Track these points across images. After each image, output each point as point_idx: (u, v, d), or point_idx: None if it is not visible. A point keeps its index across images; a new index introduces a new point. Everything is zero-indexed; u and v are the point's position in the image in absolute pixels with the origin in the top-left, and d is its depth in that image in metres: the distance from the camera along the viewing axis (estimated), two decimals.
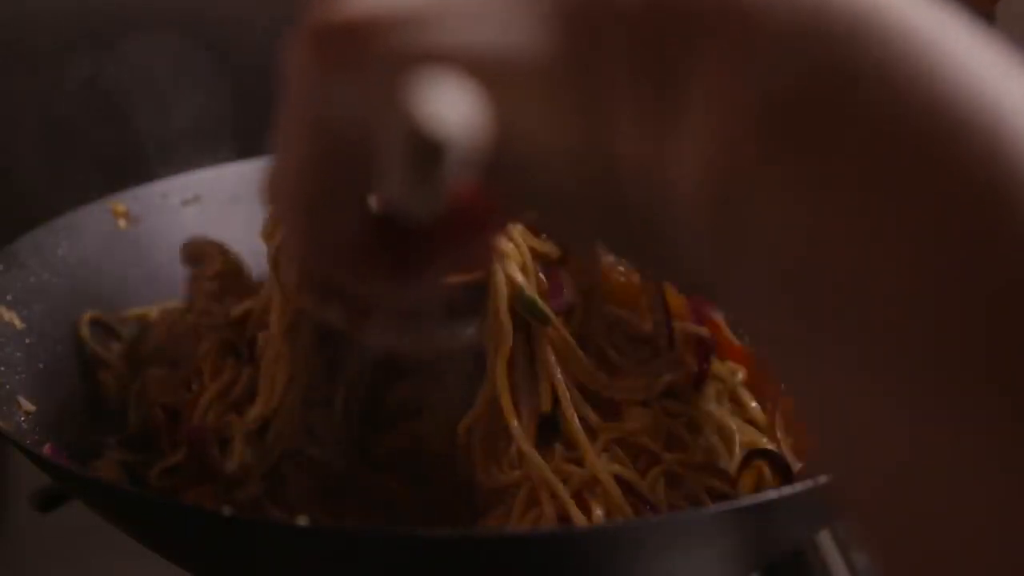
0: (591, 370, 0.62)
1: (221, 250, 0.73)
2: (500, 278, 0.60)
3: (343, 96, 0.35)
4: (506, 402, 0.60)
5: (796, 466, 0.64)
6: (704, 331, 0.68)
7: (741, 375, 0.69)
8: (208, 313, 0.69)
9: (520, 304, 0.60)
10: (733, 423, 0.65)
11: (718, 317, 0.71)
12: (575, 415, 0.61)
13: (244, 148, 0.81)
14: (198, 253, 0.73)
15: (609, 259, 0.69)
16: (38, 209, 0.74)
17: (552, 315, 0.61)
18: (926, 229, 0.28)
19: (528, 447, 0.60)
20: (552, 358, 0.61)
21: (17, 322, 0.68)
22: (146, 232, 0.77)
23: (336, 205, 0.37)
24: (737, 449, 0.64)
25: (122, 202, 0.77)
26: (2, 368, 0.65)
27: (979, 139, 0.28)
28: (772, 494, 0.54)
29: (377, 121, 0.34)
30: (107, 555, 0.68)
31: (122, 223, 0.76)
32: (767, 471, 0.62)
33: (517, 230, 0.62)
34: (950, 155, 0.28)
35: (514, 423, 0.60)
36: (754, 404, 0.68)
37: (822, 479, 0.53)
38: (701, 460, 0.62)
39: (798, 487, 0.54)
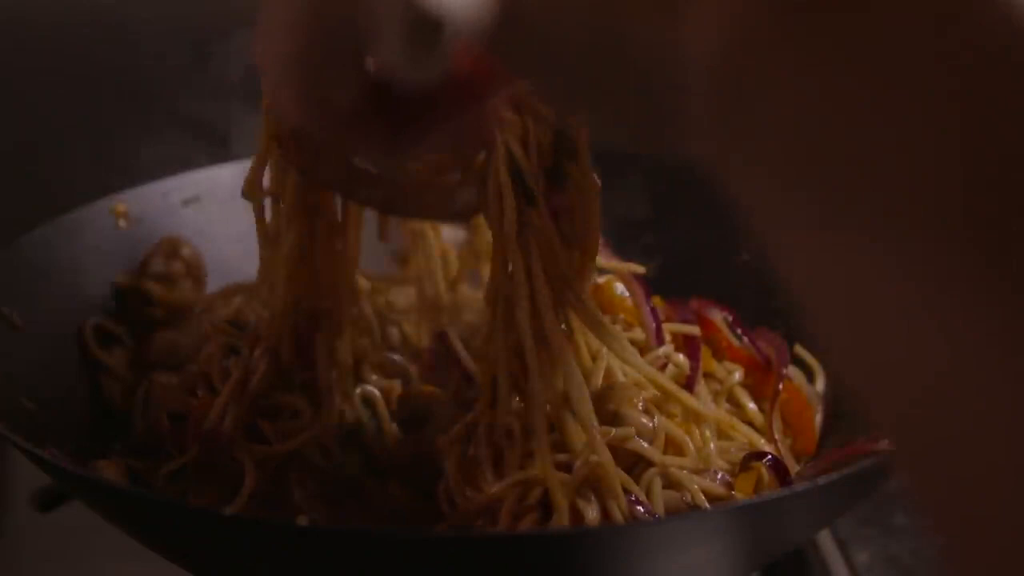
0: (570, 272, 0.59)
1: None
2: (500, 145, 0.57)
3: None
4: (518, 272, 0.57)
5: (794, 468, 0.64)
6: (694, 329, 0.68)
7: (739, 375, 0.69)
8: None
9: (509, 169, 0.57)
10: (730, 424, 0.65)
11: (716, 317, 0.71)
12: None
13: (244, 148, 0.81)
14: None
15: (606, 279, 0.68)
16: (39, 208, 0.74)
17: (539, 196, 0.57)
18: (941, 93, 0.27)
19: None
20: (535, 253, 0.57)
21: (17, 322, 0.68)
22: (146, 232, 0.76)
23: (331, 68, 0.36)
24: (735, 450, 0.64)
25: (122, 202, 0.77)
26: (2, 368, 0.65)
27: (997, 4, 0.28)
28: (771, 494, 0.54)
29: None
30: (107, 555, 0.68)
31: (122, 223, 0.76)
32: (765, 473, 0.62)
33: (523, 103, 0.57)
34: (964, 20, 0.28)
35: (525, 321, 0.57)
36: (752, 405, 0.68)
37: (821, 480, 0.53)
38: (698, 463, 0.62)
39: (797, 488, 0.54)
